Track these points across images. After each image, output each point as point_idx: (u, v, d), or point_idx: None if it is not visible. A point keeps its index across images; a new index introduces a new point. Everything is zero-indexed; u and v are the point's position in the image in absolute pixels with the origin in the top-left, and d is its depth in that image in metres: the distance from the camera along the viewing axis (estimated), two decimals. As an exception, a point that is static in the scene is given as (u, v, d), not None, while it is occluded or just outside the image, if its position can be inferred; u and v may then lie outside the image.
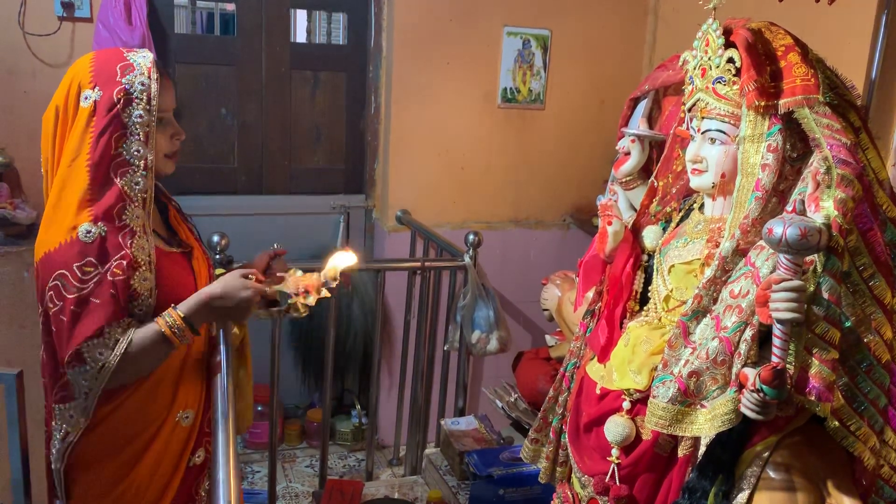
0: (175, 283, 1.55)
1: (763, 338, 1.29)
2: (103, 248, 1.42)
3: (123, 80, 1.45)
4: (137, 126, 1.45)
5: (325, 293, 1.59)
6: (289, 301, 1.58)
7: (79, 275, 1.40)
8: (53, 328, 1.44)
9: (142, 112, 1.45)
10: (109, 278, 1.41)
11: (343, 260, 1.63)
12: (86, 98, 1.45)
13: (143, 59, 1.49)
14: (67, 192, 1.44)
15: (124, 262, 1.42)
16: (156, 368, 1.51)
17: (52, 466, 1.54)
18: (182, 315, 1.46)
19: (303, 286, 1.57)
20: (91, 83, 1.45)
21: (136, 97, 1.45)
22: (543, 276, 2.63)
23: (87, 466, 1.53)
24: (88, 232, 1.42)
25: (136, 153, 1.45)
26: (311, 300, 1.57)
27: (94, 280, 1.41)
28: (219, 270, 1.81)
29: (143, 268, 1.46)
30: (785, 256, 1.22)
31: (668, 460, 1.52)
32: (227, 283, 1.51)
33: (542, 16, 3.35)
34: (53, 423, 1.51)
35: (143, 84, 1.46)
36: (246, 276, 1.53)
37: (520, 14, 3.31)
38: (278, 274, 1.63)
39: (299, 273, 1.61)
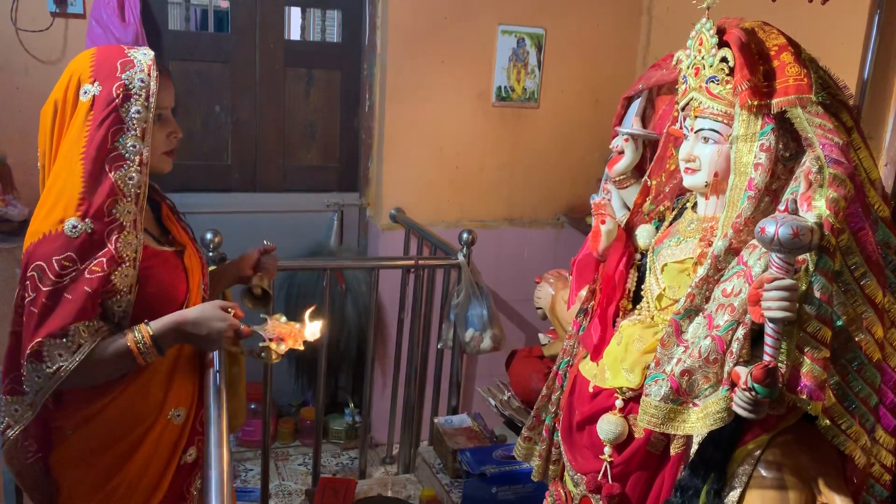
0: (166, 281, 1.55)
1: (755, 336, 1.30)
2: (86, 246, 1.42)
3: (123, 76, 1.45)
4: (135, 122, 1.45)
5: (300, 345, 1.58)
6: (261, 344, 1.56)
7: (56, 268, 1.40)
8: (24, 318, 1.44)
9: (140, 108, 1.45)
10: (87, 276, 1.41)
11: (318, 326, 1.61)
12: (85, 92, 1.45)
13: (144, 56, 1.50)
14: (60, 184, 1.44)
15: (104, 260, 1.42)
16: (114, 377, 1.50)
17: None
18: (151, 333, 1.46)
19: (279, 333, 1.56)
20: (91, 78, 1.45)
21: (135, 93, 1.45)
22: (537, 274, 2.63)
23: (78, 463, 1.53)
24: (74, 227, 1.41)
25: (131, 148, 1.45)
26: (283, 348, 1.56)
27: (71, 276, 1.41)
28: (211, 268, 1.81)
29: (127, 264, 1.45)
30: (777, 255, 1.23)
31: (661, 458, 1.53)
32: (203, 310, 1.51)
33: (537, 14, 3.35)
34: None
35: (142, 81, 1.46)
36: (225, 309, 1.52)
37: (514, 12, 3.31)
38: (261, 315, 1.62)
39: (283, 319, 1.59)
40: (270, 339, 1.56)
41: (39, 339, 1.40)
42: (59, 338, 1.40)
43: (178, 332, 1.49)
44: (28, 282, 1.42)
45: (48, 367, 1.41)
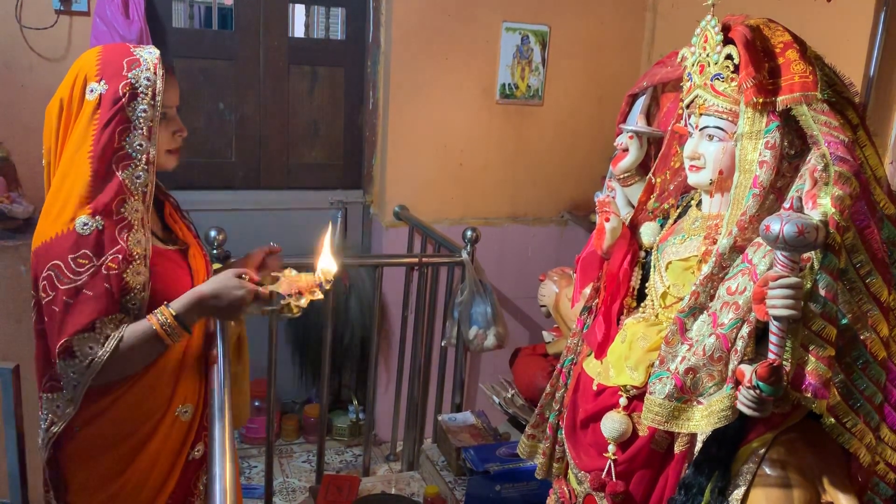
0: (170, 280, 1.55)
1: (760, 334, 1.30)
2: (99, 242, 1.42)
3: (129, 75, 1.46)
4: (141, 120, 1.46)
5: (318, 295, 1.59)
6: (282, 301, 1.58)
7: (73, 266, 1.41)
8: (46, 318, 1.45)
9: (146, 107, 1.46)
10: (104, 272, 1.42)
11: (332, 259, 1.62)
12: (91, 91, 1.45)
13: (150, 54, 1.50)
14: (68, 184, 1.44)
15: (119, 256, 1.43)
16: (146, 365, 1.51)
17: (41, 456, 1.54)
18: (174, 313, 1.47)
19: (296, 287, 1.57)
20: (97, 76, 1.46)
21: (142, 92, 1.46)
22: (541, 272, 2.63)
23: (86, 459, 1.54)
24: (86, 224, 1.42)
25: (138, 147, 1.46)
26: (304, 302, 1.57)
27: (89, 272, 1.41)
28: (216, 265, 1.82)
29: (138, 262, 1.46)
30: (782, 253, 1.22)
31: (665, 456, 1.53)
32: (220, 282, 1.52)
33: (542, 11, 3.34)
34: (40, 412, 1.52)
35: (148, 79, 1.47)
36: (240, 276, 1.53)
37: (519, 10, 3.31)
38: (273, 273, 1.63)
39: (293, 273, 1.61)
40: (289, 295, 1.57)
41: (68, 337, 1.41)
42: (86, 332, 1.42)
43: (200, 306, 1.50)
44: (45, 282, 1.42)
45: (81, 362, 1.42)
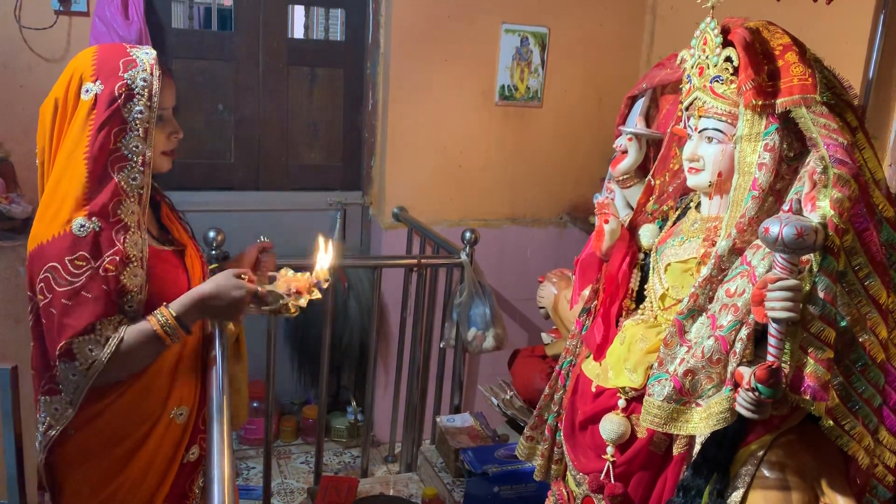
0: (167, 281, 1.55)
1: (758, 337, 1.29)
2: (96, 244, 1.42)
3: (125, 76, 1.45)
4: (137, 122, 1.45)
5: (316, 294, 1.60)
6: (280, 301, 1.58)
7: (70, 268, 1.40)
8: (44, 321, 1.44)
9: (142, 108, 1.45)
10: (102, 273, 1.41)
11: (328, 258, 1.63)
12: (87, 91, 1.45)
13: (146, 55, 1.49)
14: (64, 185, 1.44)
15: (116, 258, 1.42)
16: (146, 367, 1.51)
17: (37, 459, 1.54)
18: (174, 314, 1.47)
19: (294, 287, 1.57)
20: (93, 76, 1.45)
21: (138, 93, 1.45)
22: (540, 273, 2.62)
23: (81, 462, 1.53)
24: (82, 226, 1.41)
25: (134, 149, 1.45)
26: (303, 301, 1.58)
27: (87, 274, 1.41)
28: (212, 266, 1.81)
29: (135, 263, 1.45)
30: (781, 255, 1.22)
31: (663, 458, 1.53)
32: (219, 282, 1.51)
33: (541, 13, 3.35)
34: (38, 415, 1.51)
35: (144, 80, 1.46)
36: (239, 276, 1.53)
37: (518, 11, 3.31)
38: (269, 273, 1.63)
39: (290, 273, 1.61)
40: (288, 295, 1.57)
41: (67, 339, 1.40)
42: (86, 334, 1.41)
43: (200, 307, 1.50)
44: (42, 284, 1.42)
45: (82, 364, 1.42)
